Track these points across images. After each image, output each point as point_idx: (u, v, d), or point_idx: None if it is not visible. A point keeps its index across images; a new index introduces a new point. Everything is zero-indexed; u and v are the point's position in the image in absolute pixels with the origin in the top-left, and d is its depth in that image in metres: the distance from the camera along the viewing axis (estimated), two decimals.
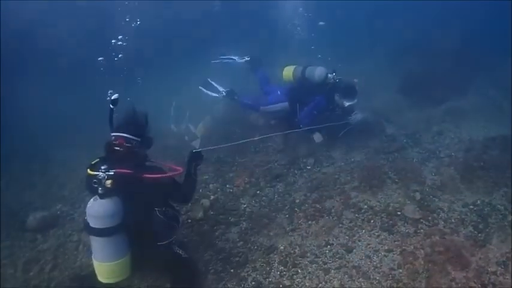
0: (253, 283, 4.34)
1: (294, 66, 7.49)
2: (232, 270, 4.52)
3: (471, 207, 5.23)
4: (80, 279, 4.26)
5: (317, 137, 6.84)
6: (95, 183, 3.41)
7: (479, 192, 5.47)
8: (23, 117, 8.66)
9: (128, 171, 3.47)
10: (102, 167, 3.49)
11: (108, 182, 3.42)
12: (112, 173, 3.45)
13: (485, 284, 4.10)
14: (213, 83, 8.11)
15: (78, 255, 5.06)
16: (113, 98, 3.66)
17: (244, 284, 4.33)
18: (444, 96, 8.95)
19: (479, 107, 8.53)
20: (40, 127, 8.44)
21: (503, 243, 4.62)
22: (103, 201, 3.43)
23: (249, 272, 4.50)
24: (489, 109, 8.43)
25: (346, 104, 6.70)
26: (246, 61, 8.36)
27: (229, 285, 4.33)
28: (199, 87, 8.10)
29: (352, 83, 6.80)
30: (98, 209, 3.43)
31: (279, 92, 7.46)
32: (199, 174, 4.47)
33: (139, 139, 3.71)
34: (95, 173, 3.48)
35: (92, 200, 3.50)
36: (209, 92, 8.02)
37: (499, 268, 4.28)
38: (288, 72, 7.55)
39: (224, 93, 7.84)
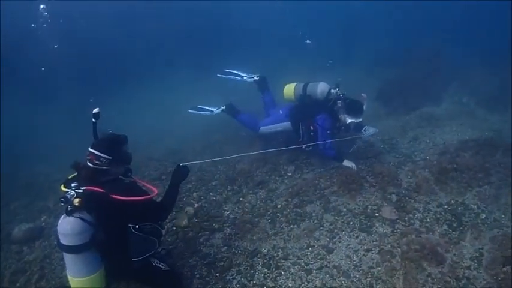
0: (238, 286, 4.44)
1: (295, 84, 7.13)
2: (217, 275, 4.61)
3: (445, 207, 5.46)
4: None
5: (349, 163, 6.48)
6: (62, 201, 3.39)
7: (453, 193, 5.71)
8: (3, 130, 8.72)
9: (98, 189, 3.44)
10: (73, 184, 3.50)
11: (76, 200, 3.38)
12: (81, 191, 3.45)
13: (459, 278, 4.31)
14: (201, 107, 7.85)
15: (65, 265, 5.10)
16: (94, 111, 3.67)
17: (229, 287, 4.43)
18: (419, 103, 9.28)
19: (452, 113, 8.89)
20: (21, 140, 8.53)
21: (477, 239, 4.86)
22: (71, 219, 3.41)
23: (234, 276, 4.59)
24: (462, 115, 8.76)
25: (349, 121, 6.29)
26: (254, 81, 7.79)
27: None
28: (189, 111, 7.82)
29: (358, 99, 6.39)
30: (65, 227, 3.42)
31: (280, 112, 7.15)
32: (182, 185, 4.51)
33: (109, 157, 3.58)
34: (66, 190, 3.48)
35: (61, 217, 3.49)
36: (201, 112, 7.73)
37: (473, 263, 4.51)
38: (289, 90, 7.18)
39: (223, 108, 7.56)
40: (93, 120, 3.69)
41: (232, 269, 4.69)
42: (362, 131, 6.64)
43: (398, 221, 5.24)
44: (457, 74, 10.77)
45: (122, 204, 3.44)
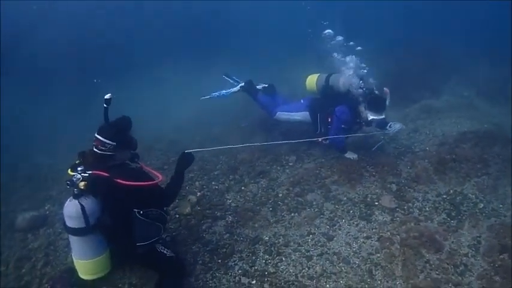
0: (239, 271, 4.52)
1: (318, 75, 6.91)
2: (219, 261, 4.69)
3: (444, 196, 5.56)
4: (71, 271, 4.35)
5: (350, 154, 6.47)
6: (68, 184, 3.48)
7: (451, 183, 5.81)
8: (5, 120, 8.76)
9: (103, 173, 3.51)
10: (79, 168, 3.58)
11: (82, 183, 3.48)
12: (87, 175, 3.54)
13: (457, 265, 4.41)
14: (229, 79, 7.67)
15: (69, 252, 5.16)
16: (106, 97, 3.70)
17: (231, 273, 4.51)
18: (420, 95, 9.35)
19: (452, 105, 8.95)
20: (24, 131, 8.58)
21: (474, 228, 4.96)
22: (76, 202, 3.50)
23: (236, 262, 4.67)
24: (462, 107, 8.84)
25: (370, 117, 6.08)
26: (262, 88, 7.44)
27: (217, 274, 4.49)
28: (204, 97, 7.48)
29: (381, 95, 6.19)
30: (71, 209, 3.51)
31: (302, 101, 7.00)
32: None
33: (114, 143, 3.64)
34: (73, 173, 3.57)
35: (68, 200, 3.59)
36: (221, 92, 7.43)
37: (470, 250, 4.62)
38: (311, 81, 6.95)
39: (242, 85, 7.39)
40: (105, 105, 3.72)
41: (234, 256, 4.76)
42: (387, 127, 6.37)
43: (397, 209, 5.33)
44: (458, 67, 10.87)
45: (127, 188, 3.51)
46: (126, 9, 14.97)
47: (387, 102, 6.16)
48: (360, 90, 6.22)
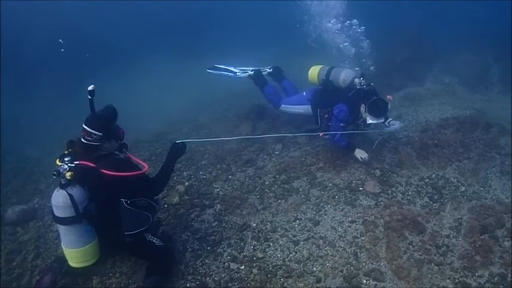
0: (228, 257, 4.61)
1: (320, 67, 6.73)
2: (208, 248, 4.78)
3: (427, 180, 5.72)
4: (61, 261, 4.38)
5: (359, 153, 5.97)
6: (54, 174, 3.51)
7: (434, 167, 5.97)
8: None
9: (89, 164, 3.56)
10: (66, 159, 3.62)
11: (68, 173, 3.51)
12: (73, 165, 3.57)
13: (439, 246, 4.57)
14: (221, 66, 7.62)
15: (60, 243, 5.21)
16: (89, 89, 3.72)
17: (220, 259, 4.60)
18: (403, 84, 9.47)
19: (435, 92, 9.12)
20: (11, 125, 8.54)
21: (456, 210, 5.13)
22: (63, 191, 3.55)
23: (225, 248, 4.77)
24: (444, 94, 9.02)
25: (369, 120, 5.78)
26: (269, 73, 7.50)
27: (206, 261, 4.58)
28: (207, 70, 7.61)
29: (382, 98, 5.82)
30: (58, 199, 3.57)
31: (304, 93, 6.90)
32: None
33: (100, 133, 3.67)
34: (60, 164, 3.60)
35: (55, 190, 3.64)
36: (222, 72, 7.47)
37: (452, 232, 4.78)
38: (313, 72, 6.79)
39: (251, 73, 7.33)
40: (89, 97, 3.75)
41: (223, 242, 4.85)
42: (385, 123, 6.03)
43: (381, 194, 5.47)
44: (440, 55, 11.02)
45: (113, 178, 3.56)
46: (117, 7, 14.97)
47: (388, 107, 5.86)
48: (359, 87, 6.10)
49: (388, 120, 6.02)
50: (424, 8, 14.24)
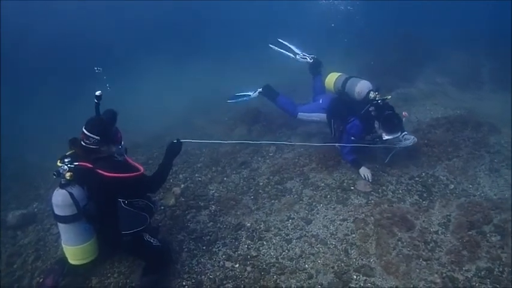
0: (223, 256, 4.74)
1: (338, 74, 6.60)
2: (204, 247, 4.90)
3: (417, 179, 5.85)
4: (62, 262, 4.50)
5: (364, 171, 5.91)
6: (54, 174, 3.71)
7: (423, 166, 6.11)
8: None
9: (87, 165, 3.72)
10: (66, 160, 3.80)
11: (68, 174, 3.69)
12: (73, 166, 3.74)
13: (428, 242, 4.70)
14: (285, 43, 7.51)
15: (59, 246, 5.31)
16: (96, 93, 3.87)
17: (215, 258, 4.73)
18: (395, 84, 9.61)
19: (427, 93, 9.27)
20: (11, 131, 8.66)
21: (445, 207, 5.27)
22: (63, 191, 3.72)
23: (220, 248, 4.89)
24: (436, 94, 9.16)
25: (385, 137, 5.57)
26: (308, 63, 7.36)
27: (202, 260, 4.70)
28: (270, 46, 7.50)
29: (395, 113, 5.75)
30: (58, 198, 3.74)
31: (321, 101, 6.75)
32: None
33: (98, 137, 3.77)
34: (61, 164, 3.78)
35: (56, 189, 3.81)
36: (239, 100, 7.32)
37: (440, 228, 4.91)
38: (330, 80, 6.68)
39: (260, 90, 7.22)
40: (96, 101, 3.90)
41: (218, 242, 4.98)
42: (400, 137, 5.78)
43: (372, 193, 5.61)
44: (432, 55, 11.17)
45: (110, 179, 3.70)
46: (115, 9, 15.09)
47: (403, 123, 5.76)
48: (374, 102, 5.86)
49: (403, 134, 5.83)
50: (415, 8, 14.43)
